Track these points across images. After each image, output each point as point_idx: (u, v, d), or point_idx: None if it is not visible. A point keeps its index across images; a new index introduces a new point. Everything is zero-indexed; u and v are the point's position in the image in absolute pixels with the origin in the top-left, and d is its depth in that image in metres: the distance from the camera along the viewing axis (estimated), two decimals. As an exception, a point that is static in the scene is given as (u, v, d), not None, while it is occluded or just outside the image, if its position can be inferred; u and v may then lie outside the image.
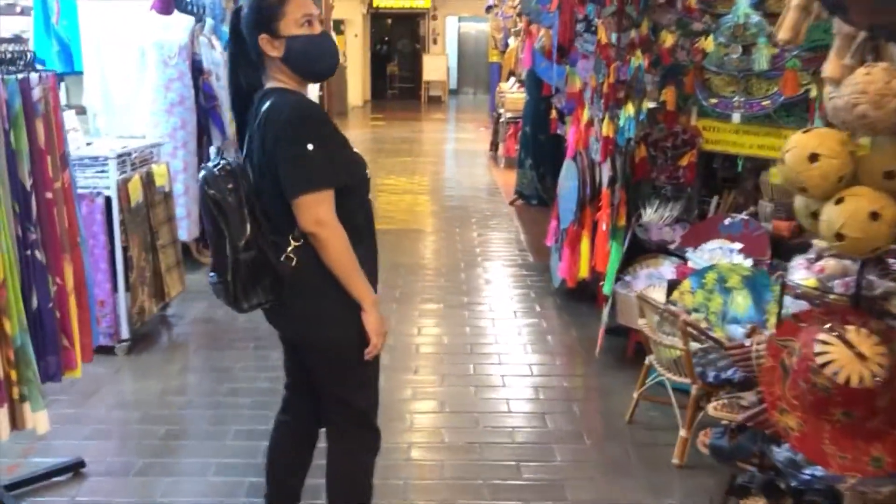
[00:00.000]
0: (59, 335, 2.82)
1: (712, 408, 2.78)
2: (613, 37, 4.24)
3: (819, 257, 2.31)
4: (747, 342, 2.32)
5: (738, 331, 3.62)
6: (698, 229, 4.40)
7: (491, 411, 3.83)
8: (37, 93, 2.76)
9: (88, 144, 4.47)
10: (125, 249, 4.29)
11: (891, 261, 2.09)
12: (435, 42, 22.19)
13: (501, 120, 10.80)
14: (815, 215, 1.92)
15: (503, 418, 3.77)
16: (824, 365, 1.87)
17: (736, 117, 4.15)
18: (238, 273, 2.22)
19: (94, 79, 5.65)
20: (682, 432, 3.32)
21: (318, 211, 2.18)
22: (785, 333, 2.04)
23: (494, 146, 11.47)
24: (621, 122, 4.26)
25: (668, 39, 3.97)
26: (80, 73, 5.67)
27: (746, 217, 4.25)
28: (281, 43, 2.23)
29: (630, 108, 4.21)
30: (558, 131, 6.24)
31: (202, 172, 2.26)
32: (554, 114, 6.20)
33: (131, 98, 5.56)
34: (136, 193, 4.40)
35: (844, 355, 1.85)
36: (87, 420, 3.67)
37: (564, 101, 5.89)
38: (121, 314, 4.33)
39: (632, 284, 4.43)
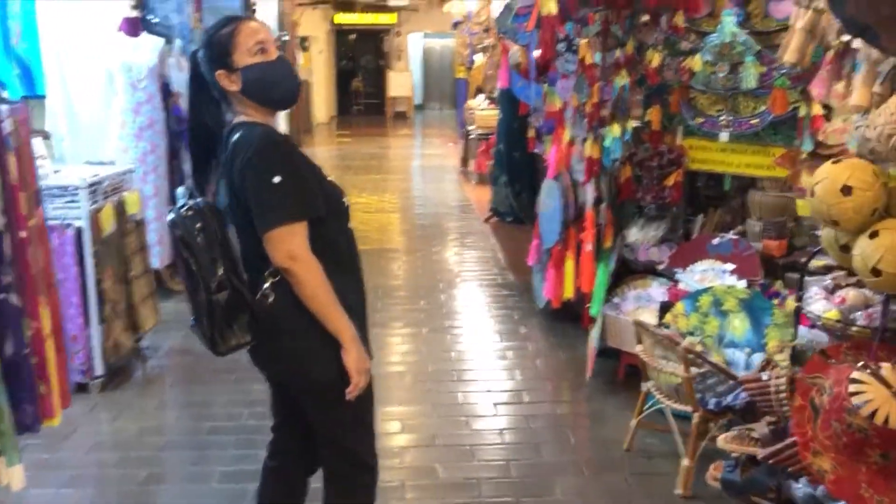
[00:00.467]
0: (35, 382, 2.65)
1: (722, 440, 2.70)
2: (597, 57, 4.18)
3: (837, 287, 2.25)
4: (764, 376, 2.25)
5: (735, 354, 3.57)
6: (686, 249, 4.35)
7: (484, 444, 3.72)
8: (7, 125, 2.60)
9: (56, 172, 4.28)
10: (98, 282, 4.11)
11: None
12: (399, 58, 22.14)
13: (472, 136, 10.75)
14: (844, 248, 1.85)
15: (498, 451, 3.66)
16: (860, 405, 1.80)
17: (724, 136, 4.11)
18: (213, 315, 2.16)
19: (58, 102, 5.45)
20: (686, 461, 3.23)
21: (290, 244, 2.11)
22: (813, 370, 1.97)
23: (465, 162, 11.41)
24: (607, 143, 4.20)
25: (655, 59, 3.93)
26: (42, 96, 5.47)
27: (735, 237, 4.21)
28: (237, 75, 2.19)
29: (616, 129, 4.15)
30: (536, 150, 6.19)
31: (170, 215, 2.22)
32: (532, 133, 6.12)
33: (99, 122, 5.37)
34: (109, 223, 4.22)
35: (881, 394, 1.78)
36: (63, 465, 3.48)
37: (542, 120, 5.84)
38: (94, 350, 4.14)
39: (620, 306, 4.36)
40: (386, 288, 6.13)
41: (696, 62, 3.91)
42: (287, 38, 12.50)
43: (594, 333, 4.30)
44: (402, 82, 21.60)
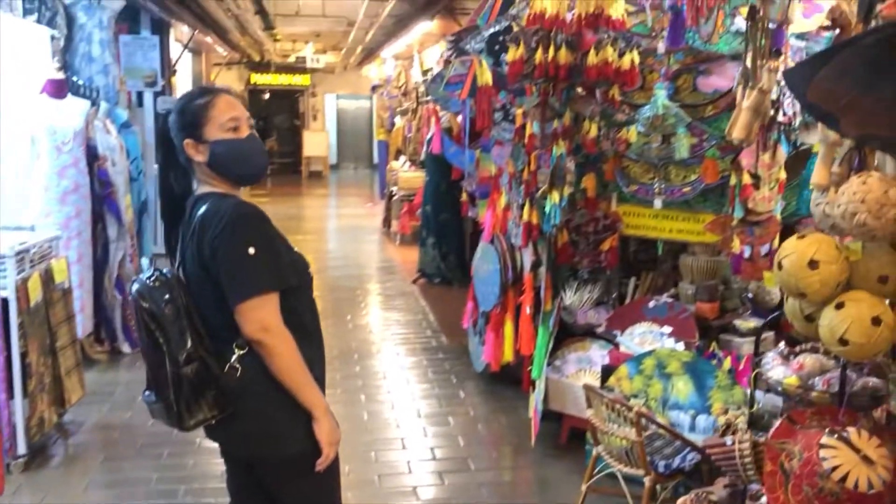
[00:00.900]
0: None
1: (681, 503, 2.75)
2: (535, 127, 4.31)
3: (791, 353, 2.35)
4: (728, 440, 2.31)
5: (680, 417, 3.66)
6: (623, 312, 4.47)
7: (435, 513, 3.66)
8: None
9: (-22, 240, 4.08)
10: (23, 355, 3.90)
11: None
12: (315, 118, 22.23)
13: (395, 197, 10.82)
14: (809, 318, 1.94)
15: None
16: (831, 469, 1.87)
17: (658, 203, 4.27)
18: (181, 389, 2.09)
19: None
20: (641, 526, 3.26)
21: (263, 316, 2.08)
22: (781, 436, 2.04)
23: (388, 223, 11.45)
24: (547, 209, 4.31)
25: (593, 129, 4.07)
26: (-41, 159, 5.23)
27: (670, 299, 4.35)
28: (205, 147, 2.18)
29: (555, 196, 4.26)
30: (469, 214, 6.28)
31: (135, 286, 2.16)
32: (465, 197, 6.23)
33: (20, 187, 5.16)
34: (36, 293, 4.04)
35: (851, 459, 1.86)
36: (-14, 556, 3.25)
37: (476, 184, 5.95)
38: (17, 427, 3.91)
39: (562, 369, 4.42)
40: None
41: (632, 133, 4.08)
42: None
43: (537, 396, 4.33)
44: (318, 142, 21.65)
